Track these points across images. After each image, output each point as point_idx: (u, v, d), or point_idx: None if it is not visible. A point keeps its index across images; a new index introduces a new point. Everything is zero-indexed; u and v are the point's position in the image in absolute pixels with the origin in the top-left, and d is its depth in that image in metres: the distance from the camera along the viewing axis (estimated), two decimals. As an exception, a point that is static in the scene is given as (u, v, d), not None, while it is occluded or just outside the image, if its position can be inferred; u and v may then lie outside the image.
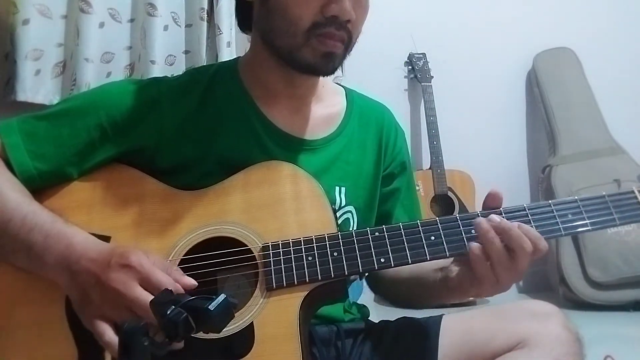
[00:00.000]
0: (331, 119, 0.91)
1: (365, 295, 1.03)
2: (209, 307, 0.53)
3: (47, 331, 0.72)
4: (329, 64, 0.79)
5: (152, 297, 0.61)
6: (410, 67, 2.45)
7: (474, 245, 0.71)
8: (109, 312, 0.65)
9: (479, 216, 0.74)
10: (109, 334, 0.65)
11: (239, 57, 0.94)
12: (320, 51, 0.77)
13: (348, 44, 0.80)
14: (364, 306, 0.95)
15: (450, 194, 2.28)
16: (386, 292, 0.96)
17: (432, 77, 2.38)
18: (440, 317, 0.83)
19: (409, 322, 0.86)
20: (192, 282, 0.68)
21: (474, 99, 2.50)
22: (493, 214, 0.73)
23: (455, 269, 0.76)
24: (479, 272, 0.70)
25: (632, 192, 0.77)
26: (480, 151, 2.45)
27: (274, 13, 0.78)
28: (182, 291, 0.66)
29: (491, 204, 0.76)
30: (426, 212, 2.18)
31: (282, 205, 0.78)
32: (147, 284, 0.65)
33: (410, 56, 2.43)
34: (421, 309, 0.88)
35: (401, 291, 0.91)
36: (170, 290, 0.60)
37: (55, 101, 1.66)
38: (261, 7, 0.81)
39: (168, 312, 0.53)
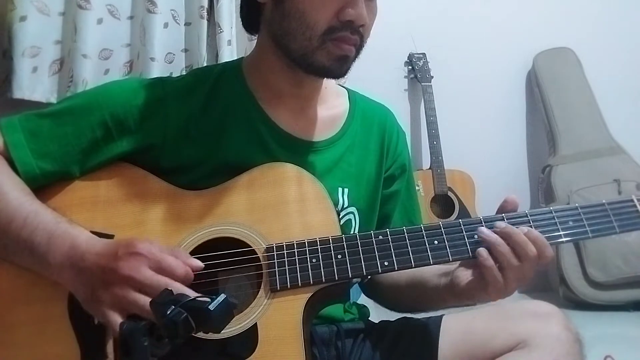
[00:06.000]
0: (334, 120, 0.91)
1: (365, 296, 1.03)
2: (209, 307, 0.53)
3: (49, 329, 0.72)
4: (343, 66, 0.80)
5: (166, 279, 0.61)
6: (410, 67, 2.44)
7: (482, 249, 0.71)
8: (121, 300, 0.64)
9: (481, 221, 0.75)
10: None
11: (243, 57, 0.94)
12: (335, 55, 0.78)
13: (359, 48, 0.81)
14: (364, 306, 0.95)
15: (450, 194, 2.27)
16: (384, 298, 0.96)
17: (432, 77, 2.37)
18: (441, 317, 0.83)
19: (409, 322, 0.87)
20: (199, 264, 0.68)
21: (474, 99, 2.50)
22: (498, 221, 0.73)
23: (462, 275, 0.76)
24: (489, 276, 0.71)
25: (632, 200, 0.78)
26: (480, 151, 2.45)
27: (289, 16, 0.78)
28: (192, 274, 0.67)
29: (508, 209, 0.76)
30: (426, 212, 2.18)
31: (286, 207, 0.78)
32: (158, 268, 0.65)
33: (410, 56, 2.43)
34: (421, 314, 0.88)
35: (401, 297, 0.91)
36: (170, 290, 0.60)
37: (52, 99, 1.65)
38: (275, 10, 0.81)
39: (168, 312, 0.53)
